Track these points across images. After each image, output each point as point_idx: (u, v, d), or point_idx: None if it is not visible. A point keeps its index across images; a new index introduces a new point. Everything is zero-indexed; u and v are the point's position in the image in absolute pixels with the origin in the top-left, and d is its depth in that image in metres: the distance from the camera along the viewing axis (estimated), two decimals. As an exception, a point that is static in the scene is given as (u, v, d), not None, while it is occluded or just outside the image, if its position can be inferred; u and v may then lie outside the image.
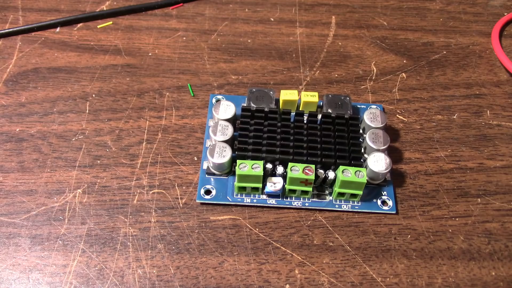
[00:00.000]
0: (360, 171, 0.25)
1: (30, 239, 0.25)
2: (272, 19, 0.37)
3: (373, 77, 0.33)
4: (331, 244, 0.26)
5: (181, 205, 0.27)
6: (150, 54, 0.34)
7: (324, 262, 0.25)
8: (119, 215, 0.26)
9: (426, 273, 0.25)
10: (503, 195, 0.28)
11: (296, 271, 0.25)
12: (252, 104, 0.29)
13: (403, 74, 0.34)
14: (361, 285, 0.24)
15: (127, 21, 0.36)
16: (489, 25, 0.37)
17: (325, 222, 0.26)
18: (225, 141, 0.27)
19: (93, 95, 0.31)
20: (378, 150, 0.27)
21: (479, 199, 0.27)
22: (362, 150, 0.28)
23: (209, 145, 0.27)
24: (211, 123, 0.29)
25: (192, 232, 0.26)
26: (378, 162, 0.26)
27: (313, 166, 0.25)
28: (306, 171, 0.25)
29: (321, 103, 0.30)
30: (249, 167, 0.25)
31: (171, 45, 0.35)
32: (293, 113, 0.29)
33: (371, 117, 0.28)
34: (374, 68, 0.34)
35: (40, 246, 0.25)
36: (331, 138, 0.27)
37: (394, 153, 0.29)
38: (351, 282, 0.24)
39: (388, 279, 0.24)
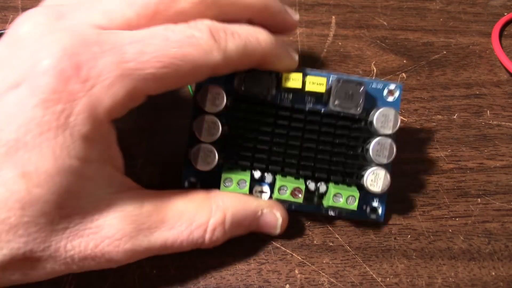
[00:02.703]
0: (352, 196, 0.24)
1: (30, 239, 0.25)
2: (272, 19, 0.37)
3: (373, 77, 0.33)
4: (331, 244, 0.26)
5: (181, 205, 0.27)
6: (150, 54, 0.34)
7: (324, 262, 0.25)
8: (119, 215, 0.26)
9: (426, 273, 0.25)
10: (503, 195, 0.28)
11: (296, 271, 0.25)
12: (246, 89, 0.24)
13: (403, 74, 0.34)
14: (361, 285, 0.24)
15: (127, 21, 0.36)
16: (489, 25, 0.37)
17: (325, 222, 0.26)
18: (212, 144, 0.24)
19: (93, 95, 0.31)
20: (379, 165, 0.24)
21: (479, 199, 0.27)
22: (361, 164, 0.25)
23: (193, 147, 0.24)
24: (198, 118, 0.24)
25: (192, 232, 0.26)
26: (375, 181, 0.24)
27: (303, 187, 0.24)
28: (295, 192, 0.24)
29: (329, 87, 0.24)
30: (235, 184, 0.24)
31: (171, 45, 0.35)
32: (292, 105, 0.25)
33: (382, 120, 0.24)
34: (374, 68, 0.34)
35: (40, 246, 0.25)
36: (329, 146, 0.24)
37: (394, 153, 0.29)
38: (351, 282, 0.24)
39: (388, 279, 0.24)
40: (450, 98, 0.32)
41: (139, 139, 0.29)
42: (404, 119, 0.31)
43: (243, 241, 0.25)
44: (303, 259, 0.25)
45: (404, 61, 0.35)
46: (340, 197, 0.24)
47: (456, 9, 0.39)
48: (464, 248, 0.26)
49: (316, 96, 0.25)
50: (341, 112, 0.24)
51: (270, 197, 0.25)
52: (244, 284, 0.24)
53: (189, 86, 0.32)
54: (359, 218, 0.26)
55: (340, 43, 0.36)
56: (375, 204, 0.25)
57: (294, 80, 0.24)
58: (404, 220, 0.27)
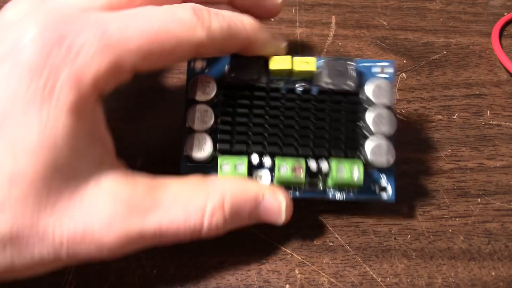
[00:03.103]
0: (356, 168, 0.23)
1: (30, 239, 0.25)
2: (272, 19, 0.37)
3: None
4: (331, 244, 0.26)
5: (181, 205, 0.27)
6: (150, 54, 0.34)
7: (324, 262, 0.25)
8: (119, 215, 0.26)
9: (426, 273, 0.25)
10: (503, 195, 0.28)
11: (296, 271, 0.25)
12: (235, 75, 0.24)
13: (403, 74, 0.34)
14: (361, 285, 0.24)
15: (127, 21, 0.36)
16: (489, 25, 0.37)
17: (325, 222, 0.26)
18: (205, 131, 0.24)
19: (93, 95, 0.31)
20: (380, 137, 0.23)
21: (479, 199, 0.27)
22: (362, 137, 0.24)
23: (188, 136, 0.24)
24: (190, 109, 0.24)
25: (192, 232, 0.26)
26: (379, 152, 0.23)
27: (303, 164, 0.23)
28: (296, 168, 0.23)
29: (319, 69, 0.25)
30: (232, 167, 0.23)
31: (171, 45, 0.35)
32: (283, 86, 0.24)
33: (376, 92, 0.23)
34: (374, 68, 0.34)
35: (40, 246, 0.25)
36: (326, 122, 0.24)
37: (394, 153, 0.29)
38: (351, 282, 0.24)
39: (388, 279, 0.24)
40: (450, 98, 0.32)
41: (139, 139, 0.29)
42: (404, 119, 0.31)
43: (243, 241, 0.25)
44: (303, 259, 0.25)
45: (404, 61, 0.35)
46: (344, 170, 0.23)
47: (456, 9, 0.39)
48: (464, 248, 0.26)
49: (307, 77, 0.24)
50: (334, 89, 0.24)
51: (271, 182, 0.24)
52: (244, 284, 0.24)
53: (189, 86, 0.32)
54: (369, 199, 0.25)
55: (340, 43, 0.36)
56: (384, 183, 0.24)
57: (282, 62, 0.24)
58: (404, 220, 0.27)
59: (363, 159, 0.23)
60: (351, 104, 0.24)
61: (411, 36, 0.36)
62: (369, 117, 0.23)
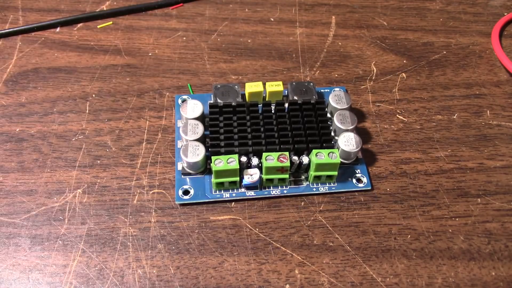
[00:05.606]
0: (333, 153, 0.26)
1: (30, 239, 0.25)
2: (272, 19, 0.37)
3: (373, 77, 0.33)
4: (331, 244, 0.26)
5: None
6: (150, 54, 0.34)
7: (324, 262, 0.25)
8: (119, 215, 0.26)
9: (426, 273, 0.25)
10: (503, 195, 0.28)
11: (296, 271, 0.25)
12: (219, 100, 0.29)
13: (403, 74, 0.34)
14: (361, 285, 0.24)
15: (127, 21, 0.36)
16: (489, 25, 0.37)
17: (325, 222, 0.26)
18: (197, 140, 0.27)
19: (93, 95, 0.31)
20: (347, 130, 0.28)
21: (479, 199, 0.27)
22: (332, 133, 0.28)
23: (182, 145, 0.27)
24: (180, 123, 0.29)
25: (192, 232, 0.26)
26: (348, 142, 0.27)
27: (287, 153, 0.26)
28: (280, 159, 0.26)
29: (286, 91, 0.31)
30: (225, 162, 0.25)
31: (171, 45, 0.35)
32: (260, 104, 0.29)
33: (336, 99, 0.29)
34: (374, 68, 0.34)
35: (40, 246, 0.25)
36: (301, 124, 0.28)
37: (393, 154, 0.29)
38: (351, 282, 0.24)
39: (388, 279, 0.24)
40: (450, 98, 0.32)
41: (139, 139, 0.29)
42: (404, 119, 0.31)
43: (243, 241, 0.25)
44: (303, 259, 0.25)
45: (404, 61, 0.35)
46: (322, 155, 0.26)
47: (456, 9, 0.39)
48: (464, 248, 0.26)
49: (278, 99, 0.30)
50: (302, 101, 0.29)
51: (260, 176, 0.26)
52: (244, 284, 0.24)
53: (188, 85, 0.32)
54: (350, 190, 0.27)
55: (340, 43, 0.36)
56: (359, 175, 0.28)
57: (256, 86, 0.29)
58: (404, 220, 0.27)
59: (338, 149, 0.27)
60: (319, 109, 0.28)
61: (411, 36, 0.36)
62: (335, 118, 0.28)
